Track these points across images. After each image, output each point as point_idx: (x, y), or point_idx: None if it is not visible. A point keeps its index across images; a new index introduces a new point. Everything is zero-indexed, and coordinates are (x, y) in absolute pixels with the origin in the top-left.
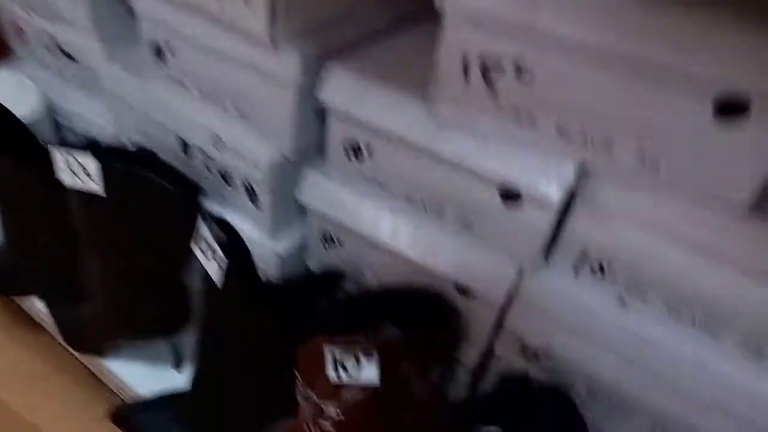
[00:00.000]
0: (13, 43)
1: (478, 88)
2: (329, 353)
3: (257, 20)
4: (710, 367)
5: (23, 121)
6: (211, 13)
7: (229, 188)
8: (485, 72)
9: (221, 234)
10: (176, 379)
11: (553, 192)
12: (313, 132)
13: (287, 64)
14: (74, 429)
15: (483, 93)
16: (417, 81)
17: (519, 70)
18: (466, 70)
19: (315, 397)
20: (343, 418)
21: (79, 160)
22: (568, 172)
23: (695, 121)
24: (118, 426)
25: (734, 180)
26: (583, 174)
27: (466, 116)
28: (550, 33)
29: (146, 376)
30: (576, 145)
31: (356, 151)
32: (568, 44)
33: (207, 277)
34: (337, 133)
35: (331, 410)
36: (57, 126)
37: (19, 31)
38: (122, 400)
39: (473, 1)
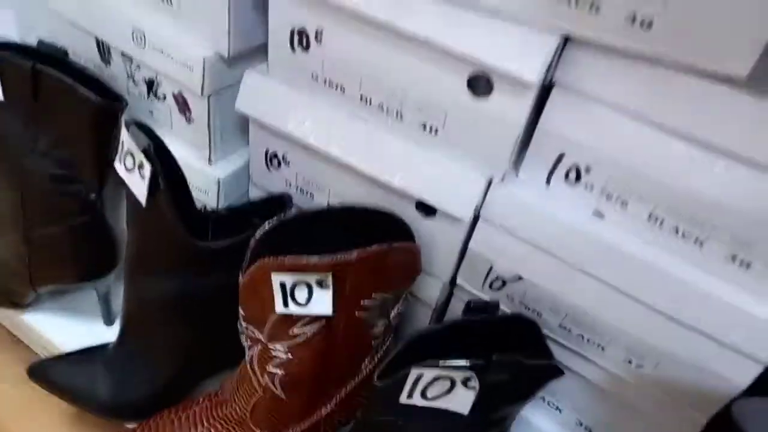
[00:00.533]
0: None
1: None
2: (276, 279)
3: None
4: (694, 285)
5: None
6: None
7: (157, 102)
8: None
9: (144, 138)
10: (108, 336)
11: (530, 72)
12: (253, 25)
13: None
14: None
15: None
16: None
17: None
18: None
19: (260, 335)
20: (293, 360)
21: None
22: (547, 47)
23: None
24: (37, 383)
25: (733, 44)
26: (564, 51)
27: None
28: None
29: (74, 333)
30: (558, 10)
31: (303, 38)
32: None
33: (132, 199)
34: (280, 16)
35: (280, 351)
36: None
37: None
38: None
39: None
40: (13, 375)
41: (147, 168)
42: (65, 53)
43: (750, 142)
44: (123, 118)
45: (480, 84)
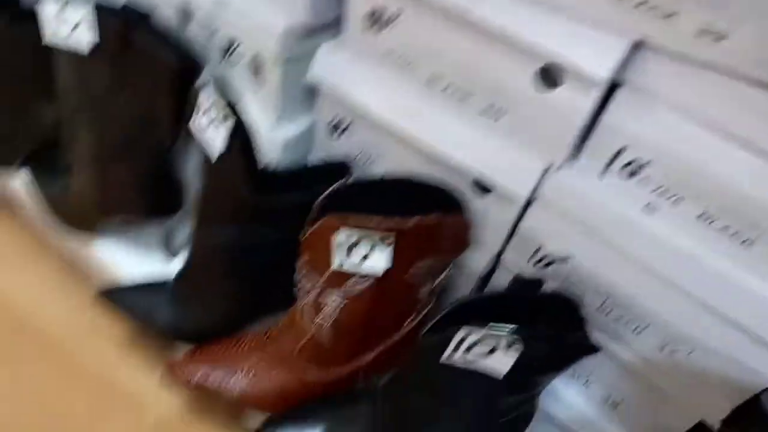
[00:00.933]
0: None
1: None
2: (339, 235)
3: None
4: (739, 284)
5: None
6: None
7: (232, 64)
8: None
9: (224, 97)
10: (165, 269)
11: (600, 70)
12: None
13: None
14: (57, 314)
15: None
16: None
17: None
18: None
19: (317, 286)
20: (343, 312)
21: (70, 14)
22: (620, 46)
23: None
24: (105, 303)
25: None
26: (634, 52)
27: None
28: None
29: (132, 263)
30: (633, 15)
31: (379, 17)
32: None
33: (205, 154)
34: None
35: (333, 302)
36: None
37: None
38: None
39: None
40: (79, 300)
41: (223, 126)
42: (148, 15)
43: None
44: (202, 78)
45: (549, 76)
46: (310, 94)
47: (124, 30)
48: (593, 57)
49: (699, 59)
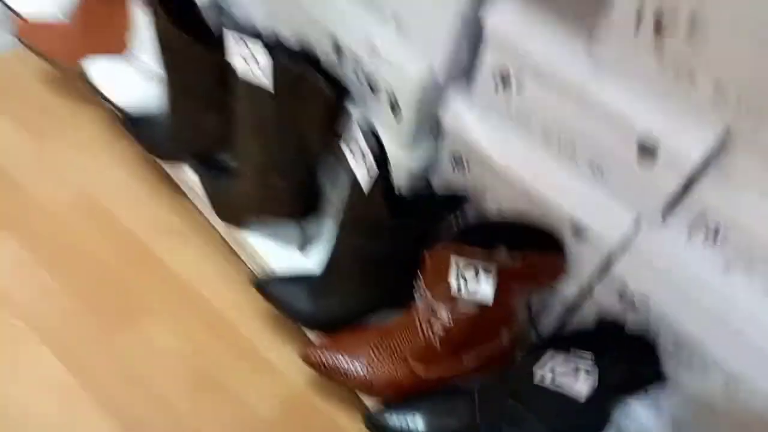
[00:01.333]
0: None
1: (646, 41)
2: (455, 262)
3: None
4: None
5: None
6: None
7: (373, 97)
8: (658, 28)
9: (375, 145)
10: (300, 260)
11: (692, 154)
12: (466, 55)
13: None
14: (216, 285)
15: (649, 46)
16: (583, 17)
17: (693, 26)
18: (638, 23)
19: (432, 300)
20: (452, 324)
21: (251, 50)
22: (711, 136)
23: None
24: (259, 291)
25: None
26: (725, 141)
27: (626, 64)
28: None
29: (275, 252)
30: (728, 109)
31: (505, 81)
32: None
33: (352, 175)
34: (490, 60)
35: (444, 315)
36: (220, 10)
37: None
38: (251, 269)
39: None
40: (235, 275)
41: (374, 169)
42: (316, 56)
43: None
44: (350, 112)
45: (648, 150)
46: (436, 127)
47: (297, 72)
48: (689, 140)
49: None
